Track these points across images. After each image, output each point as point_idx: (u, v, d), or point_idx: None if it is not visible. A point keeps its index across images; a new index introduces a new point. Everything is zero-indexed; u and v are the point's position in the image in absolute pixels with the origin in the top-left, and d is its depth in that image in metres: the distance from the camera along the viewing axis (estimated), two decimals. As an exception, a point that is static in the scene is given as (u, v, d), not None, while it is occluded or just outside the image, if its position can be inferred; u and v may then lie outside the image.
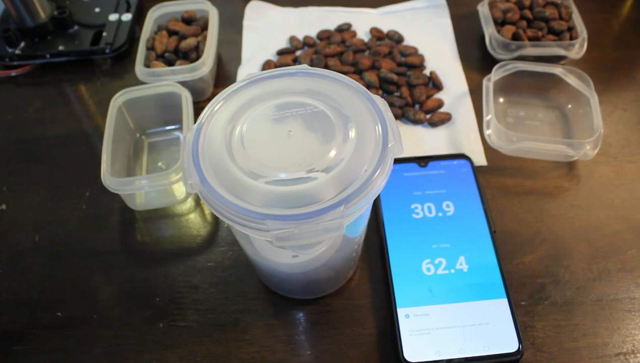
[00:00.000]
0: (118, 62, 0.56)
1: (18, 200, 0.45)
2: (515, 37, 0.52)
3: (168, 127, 0.48)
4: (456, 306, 0.35)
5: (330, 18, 0.58)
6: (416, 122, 0.48)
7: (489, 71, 0.47)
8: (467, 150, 0.45)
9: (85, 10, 0.59)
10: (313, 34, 0.56)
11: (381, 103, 0.29)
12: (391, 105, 0.48)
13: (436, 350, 0.33)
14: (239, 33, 0.58)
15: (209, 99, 0.50)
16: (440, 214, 0.40)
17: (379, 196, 0.41)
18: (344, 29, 0.56)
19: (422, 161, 0.43)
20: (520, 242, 0.40)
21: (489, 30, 0.52)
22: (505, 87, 0.49)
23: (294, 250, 0.30)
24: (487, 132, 0.44)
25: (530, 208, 0.42)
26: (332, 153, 0.27)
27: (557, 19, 0.52)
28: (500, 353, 0.33)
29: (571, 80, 0.47)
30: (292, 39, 0.55)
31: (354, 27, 0.57)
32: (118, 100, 0.44)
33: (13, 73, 0.55)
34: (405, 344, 0.34)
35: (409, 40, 0.55)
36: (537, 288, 0.38)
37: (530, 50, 0.50)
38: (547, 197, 0.43)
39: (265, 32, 0.57)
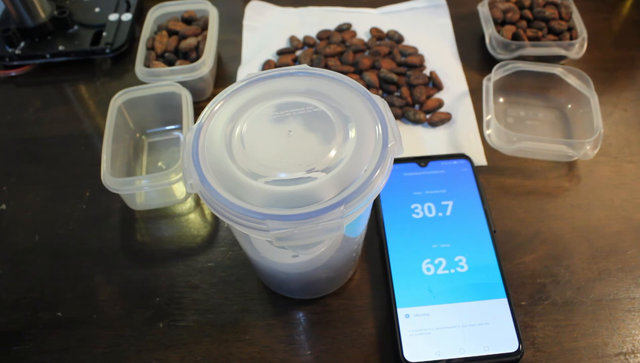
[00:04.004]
0: (118, 62, 0.56)
1: (18, 200, 0.45)
2: (515, 37, 0.52)
3: (168, 127, 0.48)
4: (456, 306, 0.35)
5: (330, 18, 0.58)
6: (416, 122, 0.48)
7: (489, 71, 0.47)
8: (467, 150, 0.45)
9: (85, 10, 0.59)
10: (313, 34, 0.56)
11: (381, 103, 0.29)
12: (391, 105, 0.48)
13: (436, 350, 0.33)
14: (239, 33, 0.58)
15: (209, 99, 0.50)
16: (440, 214, 0.40)
17: (379, 196, 0.41)
18: (344, 29, 0.56)
19: (422, 161, 0.43)
20: (520, 242, 0.40)
21: (489, 30, 0.52)
22: (505, 87, 0.49)
23: (294, 250, 0.30)
24: (487, 132, 0.44)
25: (530, 208, 0.42)
26: (332, 153, 0.27)
27: (557, 19, 0.52)
28: (500, 353, 0.33)
29: (571, 80, 0.47)
30: (292, 39, 0.55)
31: (354, 27, 0.57)
32: (118, 100, 0.44)
33: (13, 73, 0.55)
34: (405, 344, 0.34)
35: (409, 40, 0.55)
36: (537, 288, 0.38)
37: (530, 50, 0.50)
38: (547, 197, 0.43)
39: (265, 32, 0.57)
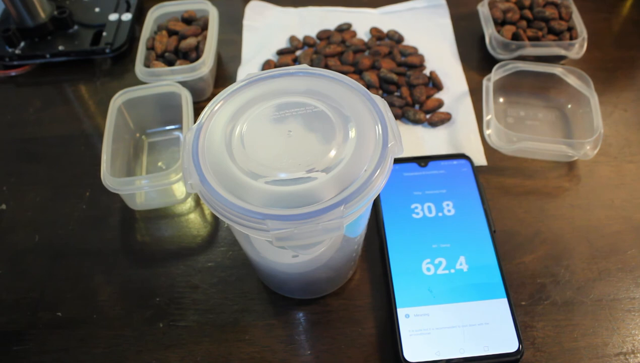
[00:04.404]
0: (118, 62, 0.56)
1: (18, 200, 0.44)
2: (515, 37, 0.52)
3: (168, 127, 0.48)
4: (456, 306, 0.35)
5: (330, 18, 0.58)
6: (416, 122, 0.48)
7: (489, 71, 0.47)
8: (467, 150, 0.45)
9: (85, 10, 0.59)
10: (313, 34, 0.56)
11: (381, 103, 0.29)
12: (391, 105, 0.48)
13: (436, 350, 0.33)
14: (239, 33, 0.58)
15: (209, 99, 0.50)
16: (440, 214, 0.40)
17: (379, 196, 0.41)
18: (344, 29, 0.56)
19: (422, 161, 0.43)
20: (520, 242, 0.40)
21: (489, 30, 0.52)
22: (505, 87, 0.49)
23: (294, 250, 0.30)
24: (487, 132, 0.44)
25: (530, 208, 0.42)
26: (332, 153, 0.27)
27: (557, 19, 0.52)
28: (500, 353, 0.33)
29: (571, 80, 0.47)
30: (292, 39, 0.55)
31: (354, 27, 0.57)
32: (118, 100, 0.44)
33: (13, 73, 0.55)
34: (405, 344, 0.34)
35: (409, 40, 0.55)
36: (537, 288, 0.38)
37: (530, 50, 0.50)
38: (547, 197, 0.43)
39: (265, 32, 0.57)
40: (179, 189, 0.43)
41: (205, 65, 0.48)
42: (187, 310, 0.38)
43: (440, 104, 0.49)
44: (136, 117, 0.46)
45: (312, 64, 0.52)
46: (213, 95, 0.51)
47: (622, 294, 0.37)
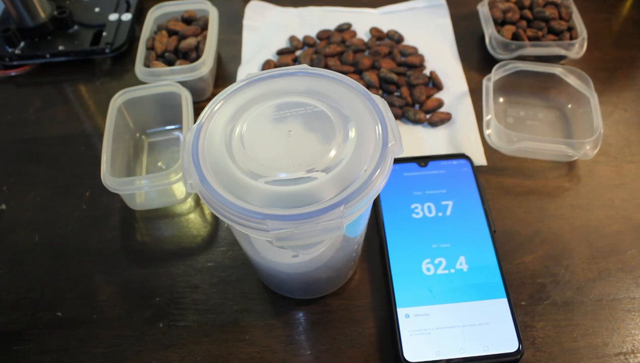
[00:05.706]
0: (118, 62, 0.56)
1: (18, 200, 0.45)
2: (515, 37, 0.52)
3: (168, 127, 0.48)
4: (456, 306, 0.35)
5: (330, 18, 0.58)
6: (416, 122, 0.48)
7: (489, 71, 0.47)
8: (467, 150, 0.45)
9: (85, 10, 0.59)
10: (313, 34, 0.56)
11: (381, 103, 0.29)
12: (391, 105, 0.48)
13: (436, 350, 0.33)
14: (239, 33, 0.58)
15: (209, 99, 0.50)
16: (440, 214, 0.40)
17: (379, 196, 0.41)
18: (344, 29, 0.56)
19: (422, 161, 0.43)
20: (520, 242, 0.40)
21: (489, 30, 0.52)
22: (505, 87, 0.49)
23: (294, 250, 0.30)
24: (487, 132, 0.44)
25: (530, 208, 0.42)
26: (332, 153, 0.27)
27: (557, 19, 0.52)
28: (500, 353, 0.33)
29: (571, 80, 0.47)
30: (292, 39, 0.55)
31: (354, 27, 0.57)
32: (118, 100, 0.44)
33: (13, 73, 0.55)
34: (405, 344, 0.34)
35: (409, 40, 0.55)
36: (537, 288, 0.38)
37: (530, 50, 0.50)
38: (547, 197, 0.43)
39: (265, 32, 0.57)
40: (179, 189, 0.43)
41: (205, 65, 0.48)
42: (187, 310, 0.38)
43: (440, 103, 0.49)
44: (136, 117, 0.46)
45: (312, 64, 0.52)
46: (213, 95, 0.51)
47: (622, 294, 0.37)
